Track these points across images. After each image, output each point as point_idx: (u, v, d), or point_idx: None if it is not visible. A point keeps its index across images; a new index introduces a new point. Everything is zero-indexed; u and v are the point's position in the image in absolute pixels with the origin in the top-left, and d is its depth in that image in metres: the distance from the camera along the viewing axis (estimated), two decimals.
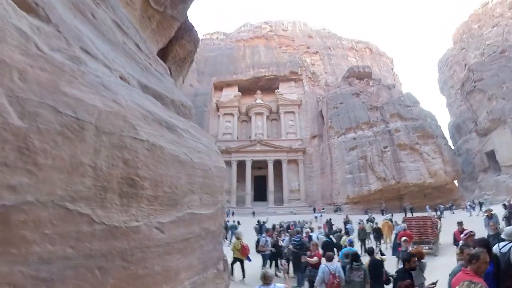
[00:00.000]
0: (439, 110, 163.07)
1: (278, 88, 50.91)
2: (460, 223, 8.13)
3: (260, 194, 43.26)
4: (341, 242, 11.01)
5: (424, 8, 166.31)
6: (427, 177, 33.03)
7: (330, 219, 21.25)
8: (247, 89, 51.42)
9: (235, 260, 8.70)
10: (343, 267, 5.90)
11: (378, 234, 14.99)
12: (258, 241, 10.38)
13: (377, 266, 5.84)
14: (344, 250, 7.57)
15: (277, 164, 43.47)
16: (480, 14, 56.18)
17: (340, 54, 62.17)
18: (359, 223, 15.83)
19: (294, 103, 48.94)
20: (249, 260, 9.04)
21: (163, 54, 4.93)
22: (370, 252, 6.41)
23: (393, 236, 15.66)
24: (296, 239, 9.08)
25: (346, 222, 19.03)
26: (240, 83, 52.03)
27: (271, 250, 9.85)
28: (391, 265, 8.87)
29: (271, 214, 32.96)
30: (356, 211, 32.16)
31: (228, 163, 43.58)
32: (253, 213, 32.44)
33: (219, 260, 2.59)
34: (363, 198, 34.39)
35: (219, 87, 52.23)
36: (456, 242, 7.55)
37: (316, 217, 28.39)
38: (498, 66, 38.58)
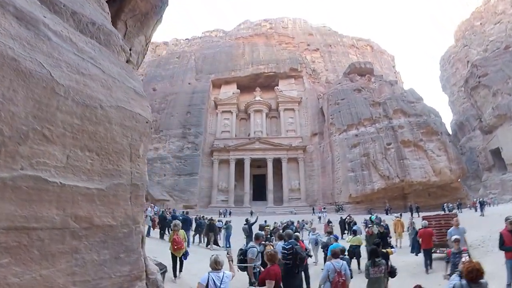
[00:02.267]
0: (441, 109, 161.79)
1: (277, 85, 49.82)
2: (511, 222, 5.93)
3: (259, 193, 42.15)
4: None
5: (424, 6, 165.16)
6: (431, 175, 31.90)
7: (345, 218, 19.12)
8: (246, 86, 50.39)
9: (174, 256, 7.55)
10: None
11: (386, 241, 12.69)
12: (243, 253, 6.48)
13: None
14: (331, 247, 6.99)
15: (277, 162, 42.39)
16: (482, 12, 55.62)
17: (341, 51, 61.23)
18: (366, 225, 13.98)
19: (294, 100, 47.84)
20: (185, 257, 7.76)
21: (121, 6, 3.91)
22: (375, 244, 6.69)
23: (404, 234, 14.51)
24: (287, 247, 6.31)
25: (351, 222, 17.41)
26: (238, 81, 50.99)
27: (255, 267, 6.25)
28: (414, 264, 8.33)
29: (270, 214, 31.90)
30: (359, 211, 31.02)
31: (227, 162, 42.58)
32: (251, 213, 31.33)
33: (135, 280, 1.49)
34: (366, 197, 33.22)
35: (217, 85, 51.21)
36: (503, 246, 5.82)
37: (319, 218, 27.14)
38: (502, 61, 37.67)
